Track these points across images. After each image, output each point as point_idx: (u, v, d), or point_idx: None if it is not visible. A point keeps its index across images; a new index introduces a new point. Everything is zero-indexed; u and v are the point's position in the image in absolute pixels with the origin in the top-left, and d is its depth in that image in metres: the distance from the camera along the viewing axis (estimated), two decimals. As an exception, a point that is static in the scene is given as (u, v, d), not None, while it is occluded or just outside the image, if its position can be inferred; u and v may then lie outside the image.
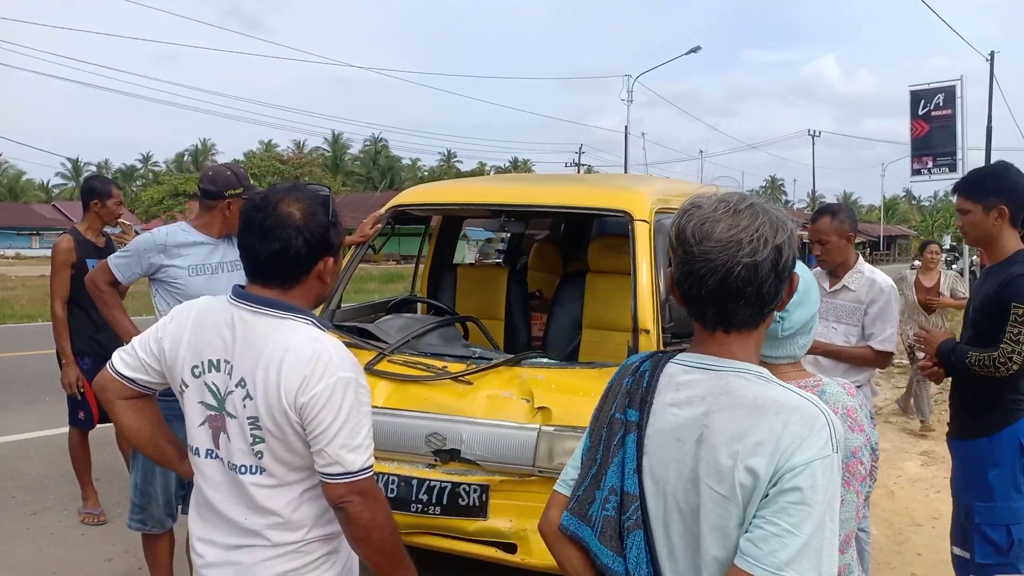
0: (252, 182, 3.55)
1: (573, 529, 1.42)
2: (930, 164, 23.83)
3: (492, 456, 3.09)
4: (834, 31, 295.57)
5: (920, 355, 3.29)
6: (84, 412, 4.44)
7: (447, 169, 68.81)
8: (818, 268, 3.65)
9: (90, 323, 4.35)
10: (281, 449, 1.67)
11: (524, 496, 3.08)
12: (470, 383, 3.27)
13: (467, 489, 3.12)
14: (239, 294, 1.73)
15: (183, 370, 1.74)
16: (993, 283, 2.83)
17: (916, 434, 7.09)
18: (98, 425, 4.54)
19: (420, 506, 3.12)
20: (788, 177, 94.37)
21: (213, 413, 1.72)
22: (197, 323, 1.75)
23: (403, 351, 3.52)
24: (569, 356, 4.11)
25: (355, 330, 3.78)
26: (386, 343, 3.57)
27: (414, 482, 3.15)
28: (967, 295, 6.52)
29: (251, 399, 1.66)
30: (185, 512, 3.28)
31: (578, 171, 45.73)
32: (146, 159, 76.52)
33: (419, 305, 4.78)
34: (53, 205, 62.22)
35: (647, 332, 3.23)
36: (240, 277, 3.37)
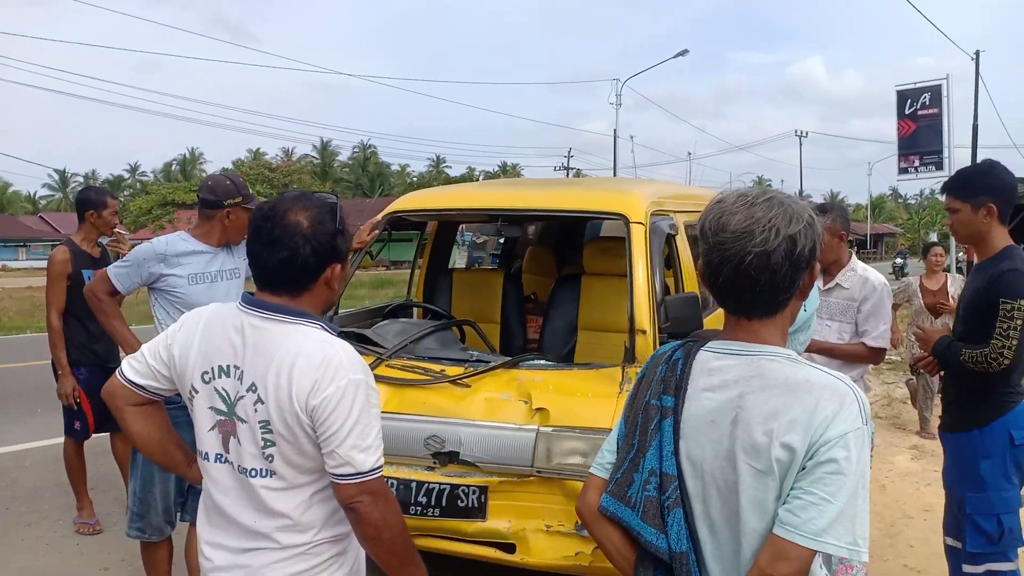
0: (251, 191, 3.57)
1: (613, 510, 1.49)
2: (917, 163, 24.04)
3: (491, 457, 3.11)
4: (820, 32, 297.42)
5: (918, 350, 3.34)
6: (80, 422, 4.44)
7: (436, 174, 68.73)
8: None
9: (86, 334, 4.36)
10: (292, 452, 1.70)
11: (523, 497, 3.11)
12: (468, 386, 3.30)
13: (466, 490, 3.14)
14: (249, 301, 1.76)
15: (193, 376, 1.77)
16: (982, 279, 2.88)
17: (907, 429, 7.16)
18: (93, 435, 4.55)
19: (419, 508, 3.14)
20: (776, 177, 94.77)
21: (223, 418, 1.75)
22: (207, 329, 1.78)
23: (401, 355, 3.54)
24: (565, 358, 4.14)
25: (353, 335, 3.80)
26: (384, 348, 3.59)
27: (413, 484, 3.17)
28: None
29: (263, 403, 1.69)
30: (184, 520, 3.31)
31: (567, 174, 45.85)
32: (134, 169, 76.19)
33: (415, 310, 4.80)
34: (40, 216, 61.96)
35: (643, 332, 3.26)
36: (238, 286, 3.43)
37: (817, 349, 3.45)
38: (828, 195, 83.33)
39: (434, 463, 3.18)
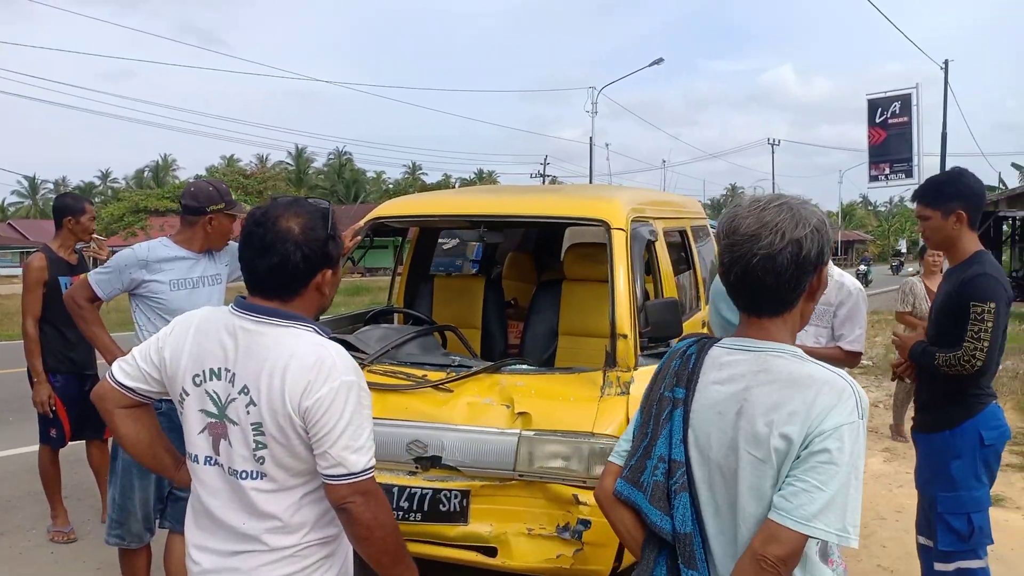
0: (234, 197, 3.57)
1: (627, 494, 1.59)
2: (887, 170, 24.47)
3: (473, 462, 3.13)
4: (790, 39, 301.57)
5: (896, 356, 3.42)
6: (56, 430, 4.39)
7: (412, 181, 68.62)
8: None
9: (63, 341, 4.32)
10: (284, 454, 1.71)
11: (505, 500, 3.13)
12: (450, 391, 3.32)
13: (448, 495, 3.16)
14: (241, 304, 1.77)
15: (184, 379, 1.78)
16: (954, 283, 2.96)
17: (879, 432, 7.28)
18: (69, 443, 4.50)
19: (401, 513, 3.16)
20: (748, 185, 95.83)
21: (213, 420, 1.76)
22: (199, 333, 1.79)
23: (383, 361, 3.56)
24: (546, 363, 4.18)
25: (335, 341, 3.80)
26: (366, 353, 3.60)
27: (395, 489, 3.18)
28: None
29: (255, 405, 1.70)
30: (163, 527, 3.30)
31: (543, 181, 45.99)
32: (105, 176, 75.18)
33: (394, 315, 4.81)
34: (8, 223, 60.81)
35: (625, 337, 3.30)
36: (220, 291, 3.43)
37: (794, 352, 3.51)
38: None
39: (416, 467, 3.20)
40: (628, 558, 3.09)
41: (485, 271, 6.56)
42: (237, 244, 3.59)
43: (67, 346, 4.33)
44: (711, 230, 6.24)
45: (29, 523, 4.74)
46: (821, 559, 1.53)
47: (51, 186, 72.51)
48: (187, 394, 1.78)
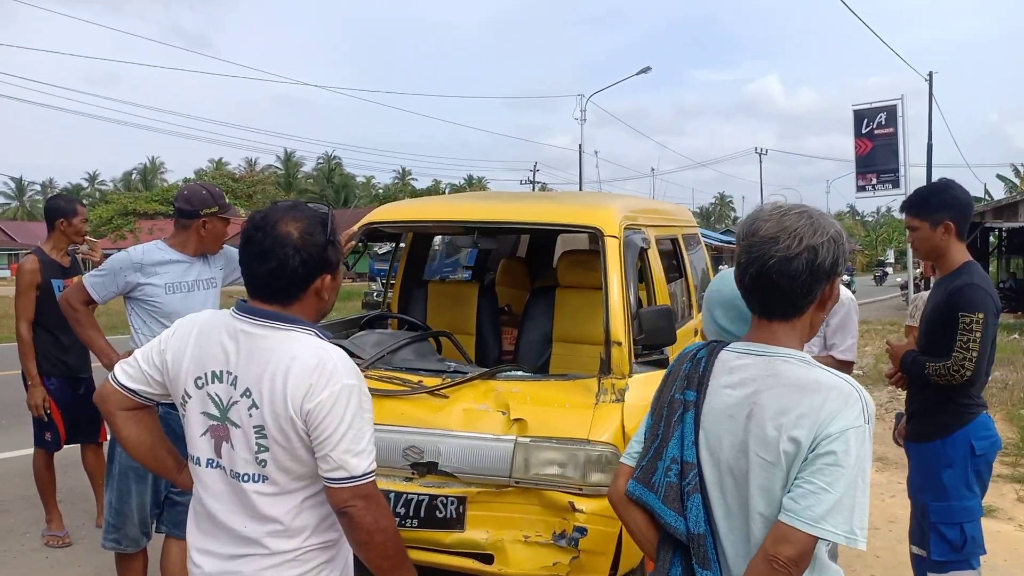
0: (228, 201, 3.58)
1: (638, 495, 1.63)
2: (874, 181, 24.60)
3: (469, 468, 3.14)
4: (775, 51, 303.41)
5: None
6: (51, 433, 4.37)
7: (402, 187, 68.53)
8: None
9: (57, 344, 4.31)
10: (286, 457, 1.72)
11: (501, 507, 3.13)
12: (446, 396, 3.32)
13: (444, 501, 3.17)
14: (242, 308, 1.78)
15: (186, 381, 1.79)
16: (942, 293, 3.00)
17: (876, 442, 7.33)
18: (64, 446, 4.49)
19: (398, 519, 3.15)
20: (736, 194, 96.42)
21: (215, 423, 1.77)
22: (201, 335, 1.80)
23: (378, 366, 3.56)
24: (540, 369, 4.20)
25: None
26: (361, 359, 3.60)
27: (391, 495, 3.18)
28: None
29: (257, 408, 1.71)
30: (159, 531, 3.29)
31: (533, 188, 46.06)
32: (92, 178, 74.67)
33: (389, 321, 4.82)
34: (-6, 224, 60.33)
35: (619, 344, 3.32)
36: (215, 295, 3.44)
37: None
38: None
39: (412, 474, 3.20)
40: (624, 566, 3.11)
41: (478, 277, 6.58)
42: (231, 248, 3.63)
43: (61, 349, 4.32)
44: (702, 238, 6.29)
45: (23, 527, 4.72)
46: (831, 558, 1.57)
47: (38, 188, 72.10)
48: (189, 396, 1.79)
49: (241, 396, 1.73)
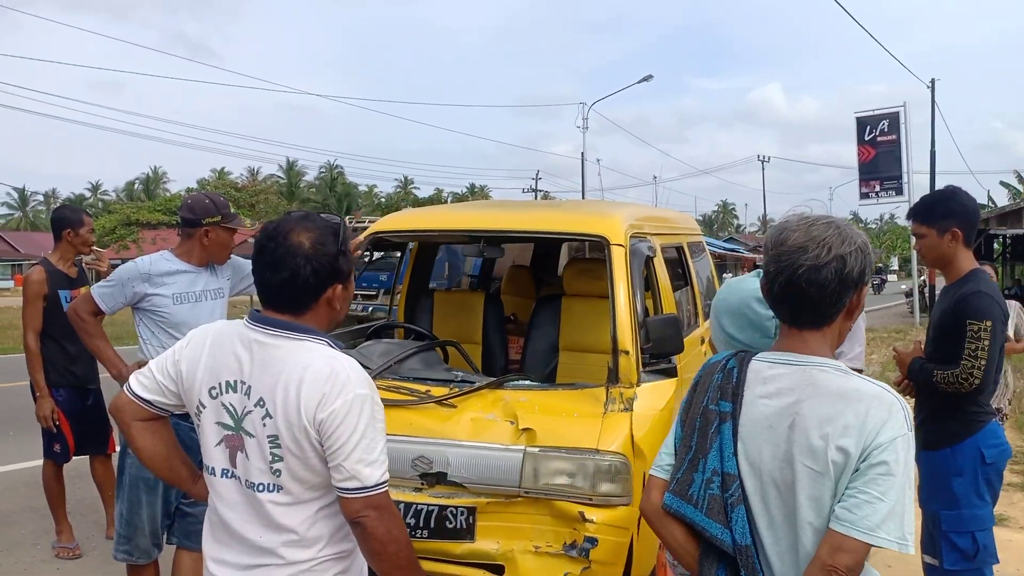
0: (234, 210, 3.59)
1: (676, 508, 1.63)
2: (877, 188, 24.62)
3: (478, 478, 3.14)
4: (777, 59, 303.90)
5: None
6: (60, 444, 4.37)
7: (405, 195, 68.60)
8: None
9: (65, 355, 4.32)
10: (299, 467, 1.73)
11: (511, 517, 3.13)
12: (454, 406, 3.32)
13: (454, 512, 3.16)
14: (255, 318, 1.80)
15: (201, 391, 1.80)
16: (950, 301, 3.00)
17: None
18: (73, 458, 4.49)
19: (408, 529, 3.14)
20: (739, 201, 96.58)
21: (230, 433, 1.78)
22: (214, 346, 1.81)
23: (386, 376, 3.56)
24: (547, 378, 4.19)
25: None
26: (369, 368, 3.60)
27: (401, 506, 3.18)
28: None
29: (271, 418, 1.72)
30: (170, 543, 3.29)
31: (535, 196, 46.10)
32: (95, 188, 74.81)
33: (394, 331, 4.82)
34: (-2, 235, 60.47)
35: (626, 353, 3.32)
36: (223, 305, 3.45)
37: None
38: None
39: (421, 484, 3.20)
40: None
41: (484, 286, 6.58)
42: (238, 258, 3.63)
43: (69, 360, 4.32)
44: (706, 247, 6.29)
45: (32, 538, 4.71)
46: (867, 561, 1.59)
47: (40, 198, 72.26)
48: (203, 407, 1.80)
49: (255, 406, 1.73)
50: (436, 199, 61.54)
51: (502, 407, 3.29)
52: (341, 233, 1.82)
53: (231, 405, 1.77)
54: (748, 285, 1.96)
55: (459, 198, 63.51)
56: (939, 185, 3.35)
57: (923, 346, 3.20)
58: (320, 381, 1.69)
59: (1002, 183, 36.53)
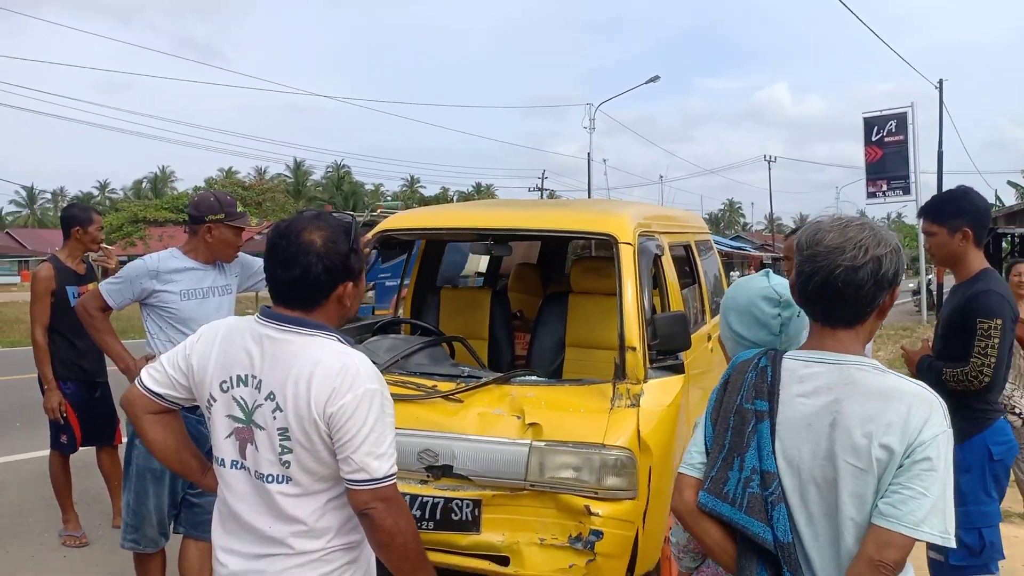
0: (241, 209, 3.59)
1: (711, 506, 1.62)
2: (885, 187, 24.58)
3: (484, 471, 3.15)
4: (784, 59, 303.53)
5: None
6: (67, 436, 4.42)
7: (411, 194, 68.74)
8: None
9: (73, 350, 4.36)
10: (309, 459, 1.74)
11: (516, 510, 3.15)
12: (461, 401, 3.34)
13: (460, 504, 3.18)
14: (266, 313, 1.82)
15: (212, 385, 1.82)
16: (960, 299, 3.00)
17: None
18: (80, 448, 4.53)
19: (414, 521, 3.17)
20: (746, 200, 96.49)
21: (240, 425, 1.79)
22: (225, 341, 1.83)
23: (393, 371, 3.58)
24: (553, 374, 4.20)
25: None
26: (376, 363, 3.61)
27: (407, 498, 3.18)
28: None
29: (281, 411, 1.73)
30: (177, 532, 3.32)
31: (542, 195, 46.10)
32: (103, 186, 75.19)
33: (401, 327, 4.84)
34: (7, 233, 60.84)
35: (634, 350, 3.33)
36: (230, 302, 3.47)
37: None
38: (798, 218, 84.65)
39: (427, 476, 3.22)
40: (640, 569, 3.11)
41: (491, 283, 6.59)
42: (246, 256, 3.64)
43: (77, 354, 4.37)
44: (714, 245, 6.29)
45: (40, 528, 4.76)
46: None
47: (49, 196, 72.67)
48: (214, 400, 1.82)
49: (265, 399, 1.75)
50: (443, 198, 61.65)
51: (508, 402, 3.30)
52: (352, 232, 1.84)
53: (242, 399, 1.78)
54: (756, 284, 1.97)
55: (465, 197, 63.61)
56: (946, 185, 3.34)
57: (931, 344, 3.20)
58: (331, 376, 1.71)
59: (1009, 183, 36.38)
